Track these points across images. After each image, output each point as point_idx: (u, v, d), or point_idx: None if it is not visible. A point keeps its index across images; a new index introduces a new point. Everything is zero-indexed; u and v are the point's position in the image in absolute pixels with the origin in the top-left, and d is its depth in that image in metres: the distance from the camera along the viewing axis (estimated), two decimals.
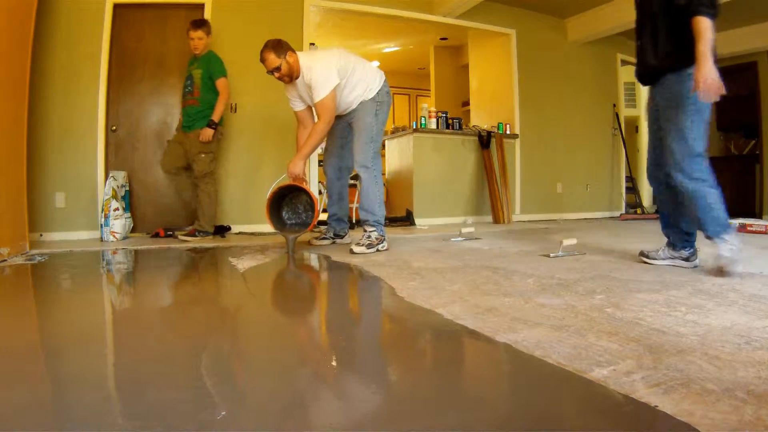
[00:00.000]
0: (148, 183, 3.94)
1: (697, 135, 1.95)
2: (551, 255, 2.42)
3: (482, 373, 1.05)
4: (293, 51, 2.69)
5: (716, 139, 6.75)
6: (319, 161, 3.26)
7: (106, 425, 0.72)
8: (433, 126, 5.02)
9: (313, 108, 2.87)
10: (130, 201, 3.75)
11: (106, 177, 3.59)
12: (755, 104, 5.91)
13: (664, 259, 2.17)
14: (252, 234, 3.87)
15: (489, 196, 5.08)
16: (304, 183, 2.80)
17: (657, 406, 0.75)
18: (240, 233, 3.95)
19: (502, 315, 1.32)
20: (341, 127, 2.95)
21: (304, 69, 2.68)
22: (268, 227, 3.26)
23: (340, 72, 2.70)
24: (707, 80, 1.75)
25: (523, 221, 5.27)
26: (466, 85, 6.38)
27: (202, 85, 3.35)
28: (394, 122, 8.07)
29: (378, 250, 2.75)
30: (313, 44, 4.48)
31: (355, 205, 4.31)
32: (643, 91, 7.42)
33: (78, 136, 3.67)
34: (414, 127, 4.93)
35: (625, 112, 6.43)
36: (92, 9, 3.68)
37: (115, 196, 3.47)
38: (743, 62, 5.94)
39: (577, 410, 0.81)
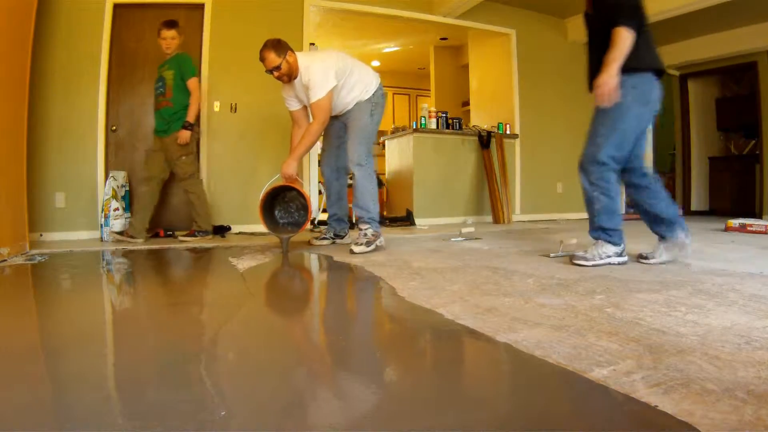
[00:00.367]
0: None
1: (606, 144, 2.05)
2: (551, 255, 2.42)
3: (482, 373, 1.05)
4: (292, 51, 2.70)
5: (716, 139, 6.75)
6: (319, 162, 3.25)
7: (106, 425, 0.72)
8: (433, 126, 5.02)
9: (308, 108, 2.88)
10: (130, 201, 3.75)
11: (106, 177, 3.59)
12: (755, 104, 5.90)
13: (661, 257, 2.19)
14: (252, 234, 3.87)
15: (489, 196, 5.08)
16: (297, 183, 2.80)
17: (657, 406, 0.75)
18: (240, 233, 3.96)
19: (502, 315, 1.32)
20: (337, 128, 2.96)
21: (303, 69, 2.69)
22: None
23: (338, 74, 2.71)
24: (602, 86, 1.94)
25: (523, 221, 5.26)
26: (466, 85, 6.38)
27: (175, 86, 3.29)
28: (394, 122, 8.07)
29: (377, 246, 2.76)
30: (313, 44, 4.48)
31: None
32: None
33: (78, 136, 3.67)
34: (414, 127, 4.93)
35: None
36: (92, 9, 3.69)
37: (115, 196, 3.47)
38: (743, 62, 5.94)
39: (577, 410, 0.81)
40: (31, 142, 3.06)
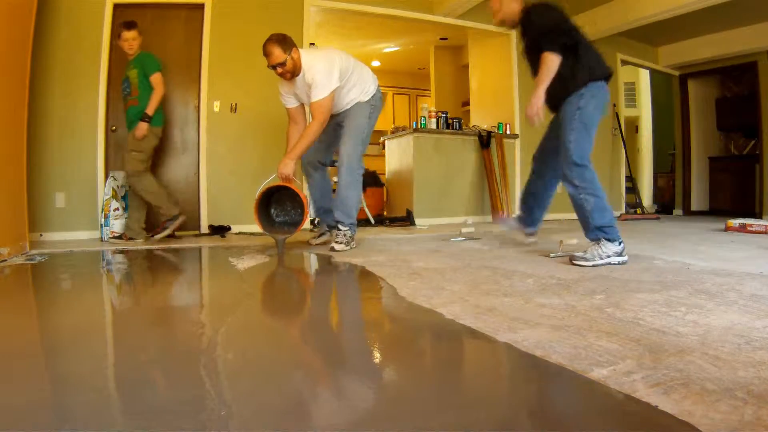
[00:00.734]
0: None
1: (582, 145, 2.21)
2: (551, 255, 2.42)
3: (482, 373, 1.05)
4: (297, 47, 2.67)
5: (716, 139, 6.75)
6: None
7: (106, 425, 0.72)
8: (433, 126, 5.02)
9: (306, 106, 2.87)
10: (130, 201, 3.75)
11: (106, 177, 3.59)
12: (755, 104, 5.90)
13: (511, 224, 2.80)
14: (252, 234, 3.87)
15: (489, 196, 5.08)
16: (294, 183, 2.77)
17: (657, 406, 0.75)
18: (240, 233, 3.96)
19: (502, 315, 1.32)
20: (330, 127, 2.92)
21: (306, 68, 2.65)
22: None
23: (342, 73, 2.69)
24: (530, 106, 2.21)
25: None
26: (466, 85, 6.38)
27: (140, 85, 3.26)
28: (394, 122, 8.07)
29: (351, 247, 2.81)
30: (312, 44, 4.48)
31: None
32: (644, 91, 7.45)
33: (78, 136, 3.67)
34: (414, 127, 4.93)
35: (625, 112, 6.44)
36: (92, 9, 3.69)
37: (115, 196, 3.47)
38: (743, 62, 5.94)
39: (577, 410, 0.81)
40: (31, 142, 3.06)
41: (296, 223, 2.88)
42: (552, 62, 2.15)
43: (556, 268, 2.09)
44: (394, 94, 8.93)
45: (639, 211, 6.05)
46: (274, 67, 2.63)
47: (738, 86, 6.52)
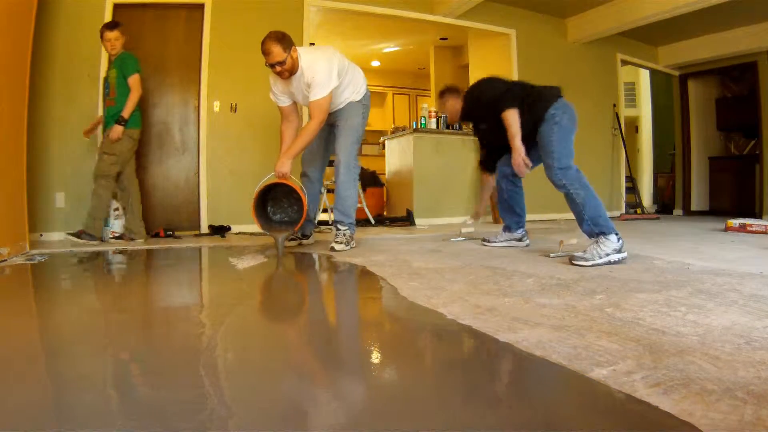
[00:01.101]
0: (148, 183, 3.94)
1: (563, 152, 2.40)
2: (551, 255, 2.42)
3: (482, 372, 1.05)
4: (295, 46, 2.64)
5: (716, 139, 6.75)
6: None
7: (106, 425, 0.72)
8: (433, 126, 5.02)
9: (298, 105, 2.87)
10: None
11: None
12: (755, 104, 5.91)
13: (501, 241, 2.95)
14: (252, 234, 3.87)
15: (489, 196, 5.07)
16: (290, 180, 2.74)
17: (658, 406, 0.75)
18: (240, 233, 3.96)
19: (502, 315, 1.32)
20: (324, 128, 2.91)
21: (305, 66, 2.64)
22: None
23: (339, 73, 2.70)
24: (515, 161, 2.47)
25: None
26: (466, 85, 6.32)
27: (118, 86, 3.21)
28: (394, 122, 8.07)
29: (351, 247, 2.82)
30: (312, 44, 4.48)
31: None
32: (644, 91, 7.44)
33: (78, 136, 3.66)
34: (414, 127, 4.93)
35: (625, 112, 6.44)
36: (92, 9, 3.69)
37: (115, 197, 3.47)
38: (743, 62, 5.94)
39: (577, 410, 0.81)
40: (31, 142, 3.05)
41: (294, 222, 2.85)
42: (514, 115, 2.45)
43: (556, 268, 2.09)
44: (394, 94, 8.93)
45: (639, 211, 6.05)
46: (272, 66, 2.59)
47: (738, 86, 6.52)
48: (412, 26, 6.09)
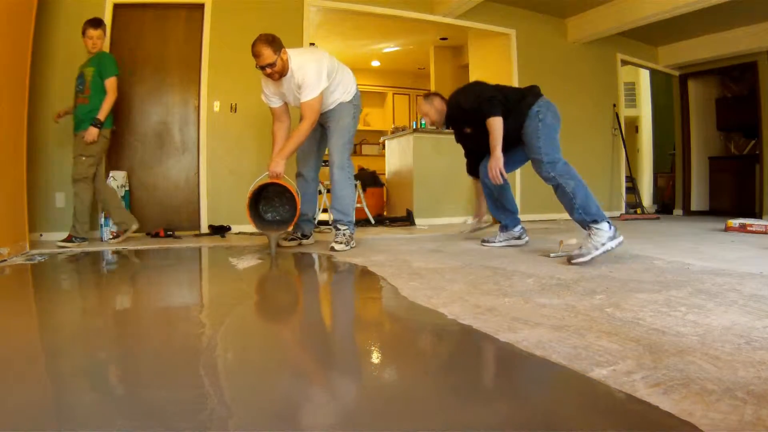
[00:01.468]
0: (147, 183, 3.95)
1: (549, 147, 2.45)
2: (551, 255, 2.42)
3: (483, 372, 1.05)
4: (284, 48, 2.68)
5: (716, 139, 6.75)
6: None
7: (106, 425, 0.72)
8: (433, 126, 5.01)
9: (290, 105, 2.89)
10: (129, 201, 3.75)
11: (106, 177, 3.59)
12: (755, 104, 5.90)
13: (501, 241, 2.95)
14: (252, 234, 3.87)
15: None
16: (283, 179, 2.77)
17: (658, 406, 0.75)
18: (240, 233, 3.96)
19: (502, 315, 1.32)
20: (315, 127, 2.92)
21: (295, 68, 2.67)
22: None
23: (329, 74, 2.73)
24: (492, 169, 2.51)
25: (524, 221, 5.25)
26: None
27: (93, 84, 3.16)
28: (394, 122, 8.07)
29: (351, 247, 2.83)
30: (312, 44, 4.48)
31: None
32: (644, 91, 7.44)
33: None
34: (414, 127, 4.93)
35: (625, 112, 6.44)
36: (92, 9, 3.68)
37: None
38: (743, 62, 5.94)
39: (577, 410, 0.81)
40: (31, 142, 3.05)
41: (287, 221, 2.87)
42: (497, 123, 2.51)
43: (556, 268, 2.09)
44: (394, 94, 8.92)
45: (639, 211, 6.04)
46: (263, 68, 2.63)
47: (738, 86, 6.52)
48: (412, 26, 6.09)
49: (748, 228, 3.68)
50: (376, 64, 8.28)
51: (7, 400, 0.81)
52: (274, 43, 2.60)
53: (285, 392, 0.89)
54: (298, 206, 2.75)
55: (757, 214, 5.67)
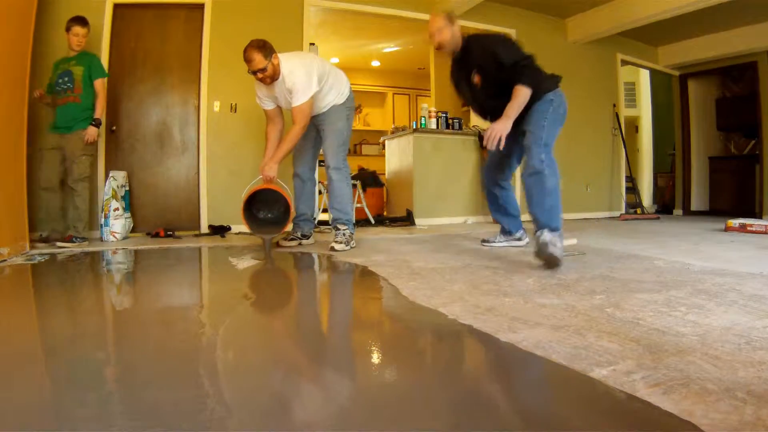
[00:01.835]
0: (148, 183, 3.94)
1: (550, 133, 2.37)
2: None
3: (483, 372, 1.05)
4: (276, 53, 2.72)
5: (716, 139, 6.75)
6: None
7: (106, 425, 0.72)
8: (433, 126, 5.01)
9: (282, 109, 2.93)
10: (130, 201, 3.75)
11: (106, 177, 3.59)
12: (755, 104, 5.90)
13: (501, 242, 2.94)
14: (251, 234, 3.86)
15: None
16: (275, 183, 2.83)
17: (658, 406, 0.75)
18: (240, 233, 3.96)
19: (502, 315, 1.32)
20: (310, 128, 2.96)
21: (286, 73, 2.70)
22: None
23: (319, 78, 2.76)
24: (498, 131, 2.23)
25: (524, 221, 5.25)
26: None
27: (84, 83, 3.17)
28: (394, 122, 8.06)
29: (351, 247, 2.85)
30: (312, 44, 4.48)
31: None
32: (644, 91, 7.44)
33: None
34: (414, 127, 4.93)
35: (625, 112, 6.43)
36: (92, 9, 3.68)
37: (115, 196, 3.47)
38: (743, 62, 5.94)
39: (577, 410, 0.81)
40: (31, 142, 3.05)
41: (280, 220, 2.92)
42: (526, 96, 2.30)
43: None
44: (394, 94, 8.91)
45: (639, 211, 6.04)
46: (254, 73, 2.69)
47: (738, 86, 6.51)
48: (412, 26, 6.07)
49: (748, 228, 3.68)
50: (376, 64, 8.28)
51: (8, 400, 0.81)
52: (265, 48, 2.65)
53: (285, 392, 0.89)
54: (291, 209, 2.81)
55: (757, 214, 5.67)
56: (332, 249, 2.77)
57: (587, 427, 0.73)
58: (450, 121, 5.13)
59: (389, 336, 1.35)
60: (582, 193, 5.85)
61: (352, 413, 0.80)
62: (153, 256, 2.81)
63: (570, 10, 5.53)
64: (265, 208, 3.05)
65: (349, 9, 4.66)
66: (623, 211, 6.10)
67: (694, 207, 6.66)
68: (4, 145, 2.63)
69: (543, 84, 2.41)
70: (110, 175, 3.54)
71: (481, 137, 5.11)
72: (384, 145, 5.72)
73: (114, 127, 3.84)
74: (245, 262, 2.45)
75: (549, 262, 2.05)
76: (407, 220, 4.70)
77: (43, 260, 2.54)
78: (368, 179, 5.53)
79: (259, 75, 2.68)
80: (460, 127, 5.18)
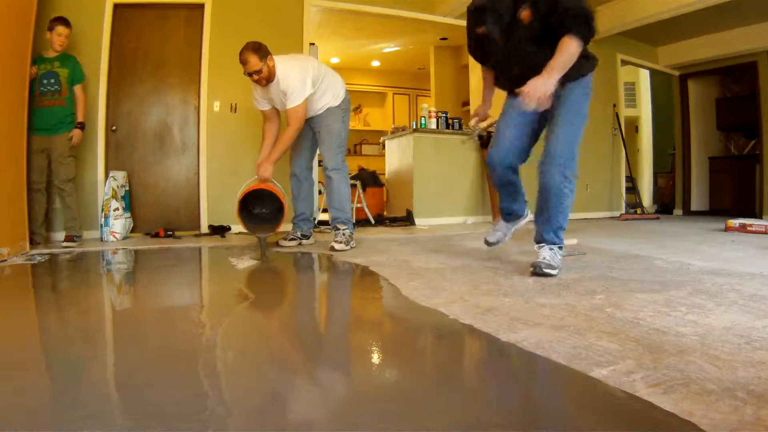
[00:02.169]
0: (148, 183, 3.94)
1: (576, 141, 2.01)
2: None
3: (483, 372, 1.05)
4: (271, 55, 2.73)
5: (716, 139, 6.75)
6: (319, 162, 3.26)
7: (106, 425, 0.72)
8: (433, 126, 5.01)
9: (280, 111, 2.95)
10: (130, 201, 3.75)
11: (106, 177, 3.59)
12: (755, 104, 5.90)
13: (509, 235, 2.46)
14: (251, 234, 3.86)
15: (489, 196, 5.08)
16: (270, 183, 2.87)
17: (658, 406, 0.75)
18: (239, 233, 3.95)
19: (502, 315, 1.32)
20: (306, 130, 2.98)
21: (281, 76, 2.72)
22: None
23: (314, 81, 2.78)
24: (541, 89, 1.73)
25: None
26: (466, 85, 6.37)
27: (69, 87, 3.21)
28: (394, 122, 8.06)
29: (351, 246, 2.87)
30: (312, 44, 4.48)
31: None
32: (644, 91, 7.44)
33: None
34: (414, 127, 4.93)
35: (625, 112, 6.43)
36: (92, 9, 3.68)
37: (115, 196, 3.47)
38: (743, 62, 5.94)
39: (577, 410, 0.81)
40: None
41: (274, 220, 2.94)
42: (574, 54, 1.83)
43: None
44: (394, 94, 8.91)
45: (639, 211, 6.04)
46: (250, 75, 2.71)
47: (738, 86, 6.51)
48: (412, 26, 6.08)
49: (748, 228, 3.68)
50: (376, 64, 8.27)
51: (8, 399, 0.81)
52: (261, 50, 2.67)
53: (285, 392, 0.89)
54: (285, 207, 2.85)
55: (757, 214, 5.67)
56: (332, 249, 2.77)
57: (587, 426, 0.73)
58: (450, 121, 5.13)
59: (390, 336, 1.35)
60: (582, 193, 5.85)
61: (353, 413, 0.80)
62: (153, 256, 2.81)
63: None
64: (260, 204, 3.09)
65: (349, 9, 4.66)
66: (623, 211, 6.10)
67: (694, 207, 6.66)
68: (4, 145, 2.63)
69: (589, 59, 1.98)
70: (110, 175, 3.54)
71: (480, 137, 5.11)
72: (384, 145, 5.72)
73: (114, 127, 3.84)
74: (245, 263, 2.45)
75: (542, 276, 1.89)
76: (407, 220, 4.70)
77: (43, 260, 2.54)
78: (368, 179, 5.53)
79: (255, 77, 2.71)
80: (460, 127, 5.18)
